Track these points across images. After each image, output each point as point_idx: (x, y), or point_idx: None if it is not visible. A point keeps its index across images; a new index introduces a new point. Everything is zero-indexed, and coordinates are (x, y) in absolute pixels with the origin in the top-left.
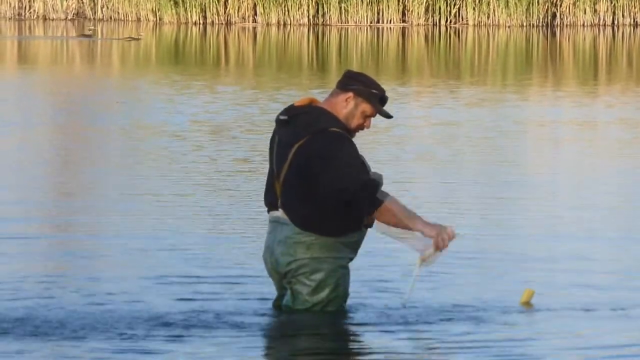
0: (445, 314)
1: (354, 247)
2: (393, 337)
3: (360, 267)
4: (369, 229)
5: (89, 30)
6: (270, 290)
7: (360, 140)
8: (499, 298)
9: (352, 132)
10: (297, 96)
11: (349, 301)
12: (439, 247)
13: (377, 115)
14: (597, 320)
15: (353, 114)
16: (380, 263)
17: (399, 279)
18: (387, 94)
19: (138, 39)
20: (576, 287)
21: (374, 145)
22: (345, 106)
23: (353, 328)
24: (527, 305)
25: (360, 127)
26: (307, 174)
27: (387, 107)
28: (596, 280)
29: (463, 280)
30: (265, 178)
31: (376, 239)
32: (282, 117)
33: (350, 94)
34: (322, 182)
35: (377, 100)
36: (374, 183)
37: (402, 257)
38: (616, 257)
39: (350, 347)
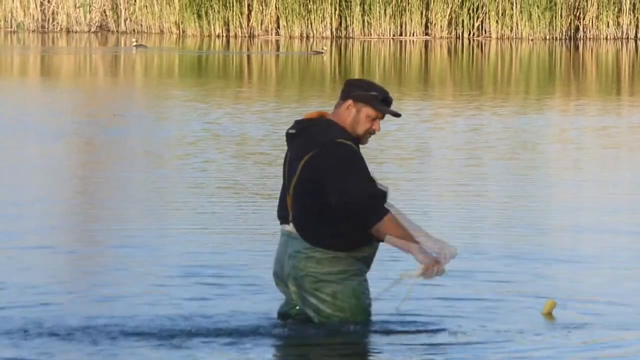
0: (464, 326)
1: (366, 261)
2: (408, 348)
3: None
4: (380, 243)
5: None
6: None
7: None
8: (522, 309)
9: (362, 138)
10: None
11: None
12: (425, 275)
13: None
14: (621, 333)
15: (357, 120)
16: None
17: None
18: (402, 101)
19: (322, 53)
20: (600, 298)
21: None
22: (349, 114)
23: (363, 338)
24: (549, 316)
25: (370, 131)
26: (315, 187)
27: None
28: (622, 291)
29: (481, 288)
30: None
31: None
32: (291, 131)
33: (350, 101)
34: (330, 194)
35: (379, 101)
36: (381, 194)
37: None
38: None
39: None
